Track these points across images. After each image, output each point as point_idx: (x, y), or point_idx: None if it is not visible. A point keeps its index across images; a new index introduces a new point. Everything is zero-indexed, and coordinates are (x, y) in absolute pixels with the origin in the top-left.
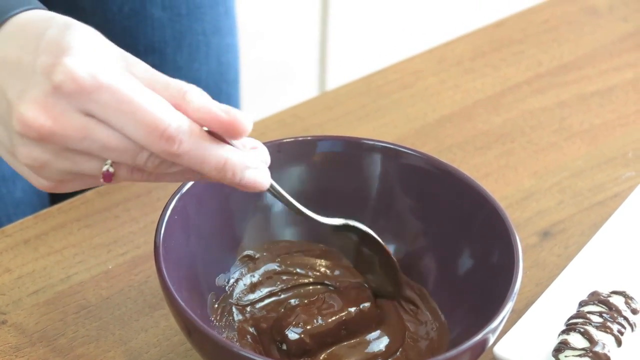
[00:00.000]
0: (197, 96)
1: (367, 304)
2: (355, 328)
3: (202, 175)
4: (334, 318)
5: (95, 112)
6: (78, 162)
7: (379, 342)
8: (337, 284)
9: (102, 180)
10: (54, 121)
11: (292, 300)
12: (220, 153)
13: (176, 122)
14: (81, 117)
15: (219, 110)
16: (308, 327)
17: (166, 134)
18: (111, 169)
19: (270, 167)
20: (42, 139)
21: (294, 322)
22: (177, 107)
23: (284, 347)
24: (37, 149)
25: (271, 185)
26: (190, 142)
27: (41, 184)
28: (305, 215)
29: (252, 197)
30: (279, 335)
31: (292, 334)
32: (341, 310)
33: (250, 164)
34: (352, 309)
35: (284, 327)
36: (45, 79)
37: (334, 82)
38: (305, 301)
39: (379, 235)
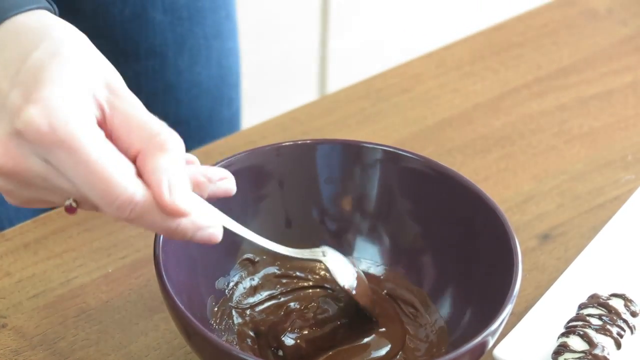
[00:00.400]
0: (166, 156)
1: (361, 307)
2: (352, 332)
3: None
4: (330, 323)
5: (53, 163)
6: (41, 193)
7: (379, 346)
8: (336, 287)
9: (66, 211)
10: (14, 162)
11: (292, 304)
12: (170, 221)
13: (129, 191)
14: (41, 163)
15: (165, 188)
16: (304, 333)
17: (117, 202)
18: (74, 204)
19: (269, 172)
20: (3, 174)
21: (289, 328)
22: (143, 153)
23: (280, 353)
24: (1, 179)
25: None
26: (141, 211)
27: (12, 202)
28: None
29: (253, 201)
30: (275, 341)
31: (288, 340)
32: (337, 315)
33: (203, 224)
34: (348, 313)
35: (279, 333)
36: (10, 118)
37: (334, 85)
38: (300, 307)
39: (379, 238)
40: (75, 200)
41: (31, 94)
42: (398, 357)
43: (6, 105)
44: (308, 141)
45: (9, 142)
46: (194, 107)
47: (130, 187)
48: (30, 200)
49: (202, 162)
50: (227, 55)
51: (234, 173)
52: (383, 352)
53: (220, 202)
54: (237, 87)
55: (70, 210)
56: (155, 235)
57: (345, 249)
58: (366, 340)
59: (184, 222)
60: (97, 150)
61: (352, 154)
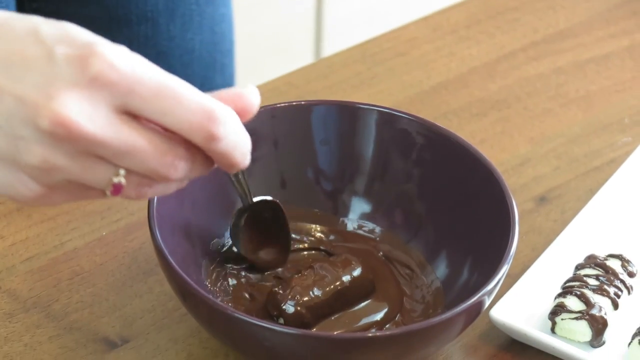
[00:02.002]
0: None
1: (358, 271)
2: (351, 296)
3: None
4: (329, 288)
5: (133, 104)
6: (90, 168)
7: (377, 308)
8: (332, 249)
9: (108, 193)
10: (87, 120)
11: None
12: (247, 138)
13: (221, 106)
14: (115, 116)
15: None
16: (304, 299)
17: (214, 115)
18: (123, 181)
19: (263, 134)
20: (69, 138)
21: (289, 296)
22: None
23: (281, 320)
24: (54, 150)
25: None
26: (233, 125)
27: (31, 189)
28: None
29: None
30: (275, 309)
31: (289, 308)
32: (335, 280)
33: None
34: (345, 278)
35: (279, 302)
36: (76, 70)
37: (329, 50)
38: (298, 273)
39: (375, 199)
40: (124, 177)
41: (87, 43)
42: (396, 318)
43: (57, 62)
44: (303, 103)
45: (81, 95)
46: (187, 73)
47: (219, 102)
48: (60, 185)
49: None
50: (220, 22)
51: None
52: (382, 314)
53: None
54: (231, 53)
55: (116, 189)
56: (150, 198)
57: (341, 210)
58: (365, 303)
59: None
60: (176, 78)
61: (347, 115)
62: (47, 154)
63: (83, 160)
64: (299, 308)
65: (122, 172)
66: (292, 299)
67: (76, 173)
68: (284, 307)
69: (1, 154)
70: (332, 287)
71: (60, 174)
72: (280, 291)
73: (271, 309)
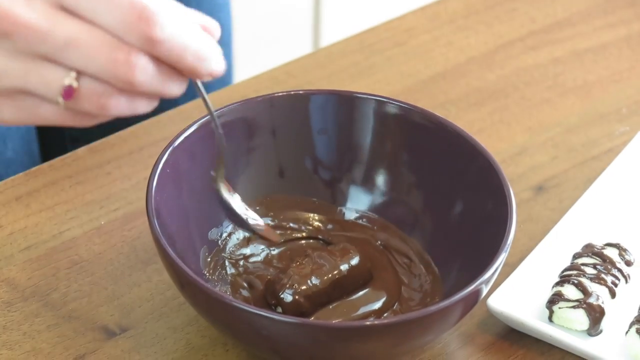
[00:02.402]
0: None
1: (355, 260)
2: (348, 285)
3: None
4: (327, 277)
5: (67, 1)
6: (35, 70)
7: (376, 297)
8: (330, 238)
9: (60, 100)
10: (23, 9)
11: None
12: (203, 37)
13: (156, 3)
14: (52, 9)
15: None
16: (303, 288)
17: (144, 14)
18: (74, 83)
19: (262, 123)
20: (7, 31)
21: (288, 284)
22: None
23: (279, 309)
24: None
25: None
26: (173, 24)
27: None
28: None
29: (245, 151)
30: (273, 298)
31: (287, 296)
32: (333, 269)
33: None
34: (343, 267)
35: (277, 290)
36: None
37: (328, 40)
38: (296, 262)
39: (373, 189)
40: (76, 79)
41: None
42: (395, 307)
43: None
44: (301, 92)
45: None
46: None
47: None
48: (8, 94)
49: (195, 116)
50: (218, 11)
51: (226, 124)
52: (380, 303)
53: (212, 153)
54: (228, 42)
55: (67, 93)
56: (148, 185)
57: (339, 199)
58: (363, 292)
59: (213, 44)
60: None
61: (346, 104)
62: None
63: (27, 61)
64: (297, 297)
65: (72, 74)
66: (290, 287)
67: (21, 76)
68: (282, 295)
69: None
70: (330, 275)
71: (5, 79)
72: (279, 280)
73: (269, 298)
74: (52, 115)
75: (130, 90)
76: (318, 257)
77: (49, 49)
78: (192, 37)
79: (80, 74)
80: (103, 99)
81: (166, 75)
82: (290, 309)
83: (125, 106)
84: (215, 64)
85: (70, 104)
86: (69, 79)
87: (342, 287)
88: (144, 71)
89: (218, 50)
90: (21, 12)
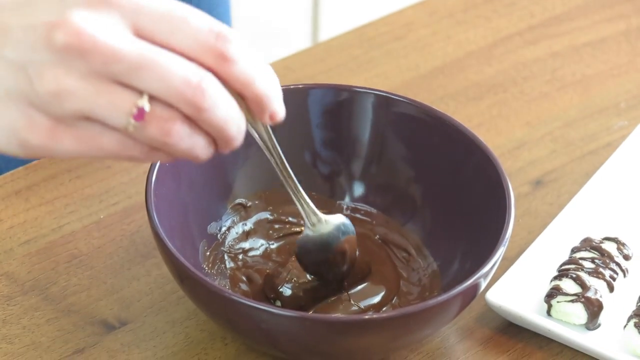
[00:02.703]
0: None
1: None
2: (348, 280)
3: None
4: (326, 272)
5: (143, 23)
6: (107, 93)
7: (375, 291)
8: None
9: (130, 121)
10: (102, 31)
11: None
12: (272, 75)
13: (229, 28)
14: (129, 32)
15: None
16: (301, 282)
17: (222, 34)
18: (146, 105)
19: None
20: (84, 51)
21: (287, 278)
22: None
23: (278, 303)
24: (68, 70)
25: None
26: (245, 49)
27: (38, 125)
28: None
29: (244, 146)
30: (272, 292)
31: (286, 290)
32: (332, 264)
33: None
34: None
35: (277, 285)
36: None
37: (326, 34)
38: (293, 258)
39: (371, 183)
40: (149, 101)
41: None
42: (393, 301)
43: None
44: (300, 86)
45: (93, 14)
46: None
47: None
48: (71, 121)
49: None
50: (217, 6)
51: None
52: (379, 297)
53: None
54: None
55: (139, 115)
56: (147, 179)
57: (338, 193)
58: (362, 286)
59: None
60: (186, 6)
61: (344, 99)
62: (61, 74)
63: (98, 83)
64: (296, 291)
65: (145, 96)
66: (289, 281)
67: (90, 98)
68: (280, 289)
69: (9, 89)
70: (328, 270)
71: (74, 100)
72: (278, 274)
73: (268, 292)
74: (114, 145)
75: (196, 117)
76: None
77: (123, 70)
78: (263, 69)
79: (151, 98)
80: (169, 123)
81: (232, 106)
82: (288, 302)
83: (186, 138)
84: (278, 105)
85: (137, 129)
86: (143, 101)
87: (341, 282)
88: (213, 97)
89: (281, 95)
90: (97, 32)
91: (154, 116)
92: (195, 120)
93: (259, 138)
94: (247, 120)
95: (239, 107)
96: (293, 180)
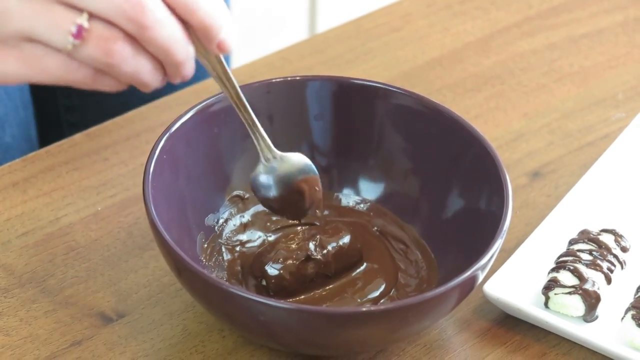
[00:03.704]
0: None
1: (346, 239)
2: (337, 264)
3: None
4: (316, 256)
5: None
6: (45, 11)
7: (372, 283)
8: (326, 224)
9: (69, 39)
10: None
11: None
12: (221, 4)
13: None
14: None
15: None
16: (288, 263)
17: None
18: (85, 23)
19: (258, 109)
20: None
21: (273, 258)
22: None
23: (264, 282)
24: None
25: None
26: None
27: None
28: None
29: (241, 138)
30: (259, 271)
31: (272, 270)
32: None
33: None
34: (331, 245)
35: (263, 264)
36: None
37: (324, 25)
38: (284, 239)
39: (369, 174)
40: (87, 19)
41: None
42: (391, 293)
43: None
44: (298, 78)
45: None
46: None
47: None
48: (15, 40)
49: (191, 102)
50: None
51: (222, 110)
52: (378, 291)
53: (209, 139)
54: None
55: (78, 34)
56: (145, 170)
57: (335, 185)
58: (355, 274)
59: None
60: None
61: (342, 90)
62: None
63: (40, 2)
64: (281, 271)
65: (84, 14)
66: (276, 261)
67: (30, 18)
68: (266, 268)
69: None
70: (319, 254)
71: (15, 20)
72: (266, 252)
73: (255, 271)
74: (57, 67)
75: (139, 36)
76: (308, 234)
77: None
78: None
79: (91, 16)
80: (110, 43)
81: (175, 28)
82: (273, 283)
83: (130, 59)
84: (227, 34)
85: (78, 48)
86: (81, 19)
87: (328, 266)
88: (155, 14)
89: (231, 24)
90: None
91: (93, 34)
92: (139, 41)
93: (211, 69)
94: (199, 52)
95: (186, 34)
96: (249, 113)
